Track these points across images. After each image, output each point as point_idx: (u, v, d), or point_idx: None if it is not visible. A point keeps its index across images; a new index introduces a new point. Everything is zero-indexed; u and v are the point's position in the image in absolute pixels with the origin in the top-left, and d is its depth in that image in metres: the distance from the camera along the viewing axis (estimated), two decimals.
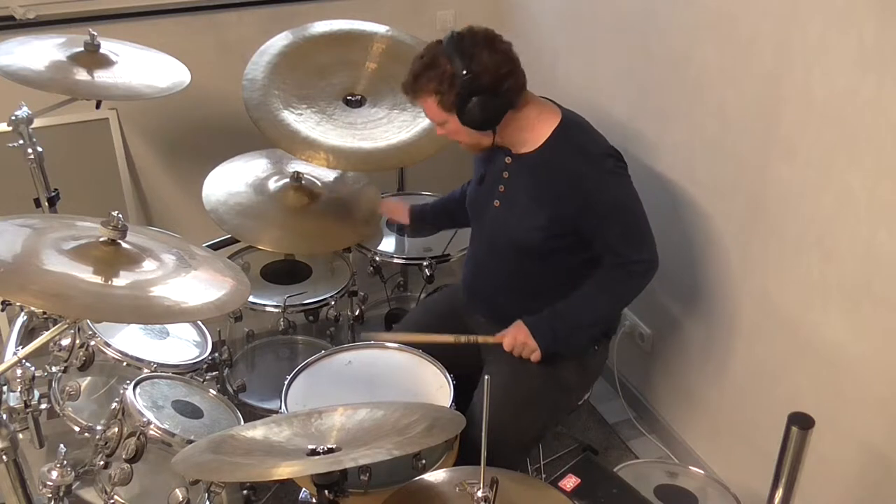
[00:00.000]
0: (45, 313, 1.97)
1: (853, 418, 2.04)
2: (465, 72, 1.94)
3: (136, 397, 1.92)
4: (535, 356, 2.12)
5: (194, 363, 2.20)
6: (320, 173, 2.66)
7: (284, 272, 2.69)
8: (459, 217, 2.38)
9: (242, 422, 2.03)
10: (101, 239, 1.64)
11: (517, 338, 2.12)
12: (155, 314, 1.66)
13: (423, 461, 1.85)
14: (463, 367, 2.13)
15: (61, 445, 1.80)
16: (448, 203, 2.50)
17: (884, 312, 1.92)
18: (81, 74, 2.34)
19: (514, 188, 2.14)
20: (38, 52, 2.36)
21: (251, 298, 2.46)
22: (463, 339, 2.13)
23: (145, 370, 2.07)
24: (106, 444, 1.90)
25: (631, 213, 2.09)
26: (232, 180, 2.61)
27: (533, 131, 2.08)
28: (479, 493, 1.50)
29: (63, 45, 2.41)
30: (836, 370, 2.07)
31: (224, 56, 2.92)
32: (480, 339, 2.16)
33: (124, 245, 1.66)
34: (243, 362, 2.69)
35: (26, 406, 1.77)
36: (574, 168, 2.04)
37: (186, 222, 3.05)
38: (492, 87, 1.96)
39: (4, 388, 1.76)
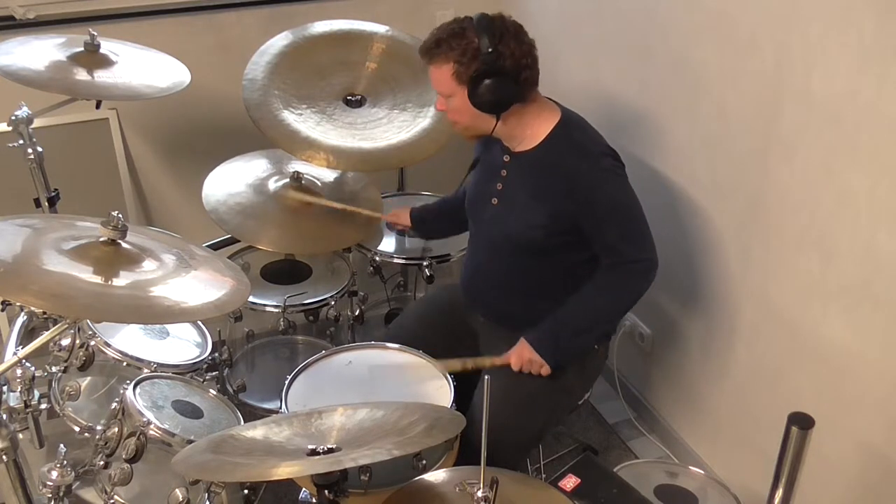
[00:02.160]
0: (45, 313, 1.97)
1: (853, 418, 2.04)
2: (490, 49, 1.95)
3: (136, 397, 1.92)
4: (545, 370, 2.12)
5: (194, 363, 2.20)
6: (320, 173, 2.65)
7: (284, 272, 2.69)
8: (460, 217, 2.37)
9: (242, 422, 2.03)
10: (101, 239, 1.63)
11: (522, 356, 2.12)
12: (155, 314, 1.66)
13: (423, 461, 1.85)
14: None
15: (61, 445, 1.80)
16: (447, 204, 2.50)
17: (884, 312, 1.92)
18: (81, 74, 2.34)
19: (512, 186, 2.14)
20: (38, 52, 2.36)
21: (251, 298, 2.46)
22: (470, 363, 2.12)
23: (145, 370, 2.07)
24: (106, 444, 1.89)
25: (629, 213, 2.09)
26: (232, 180, 2.60)
27: (532, 128, 2.08)
28: (479, 493, 1.50)
29: (63, 45, 2.41)
30: (836, 370, 2.07)
31: (224, 56, 2.92)
32: (487, 361, 2.15)
33: (124, 245, 1.66)
34: (243, 362, 2.69)
35: (26, 406, 1.77)
36: (572, 166, 2.04)
37: (186, 222, 3.05)
38: (510, 72, 1.97)
39: (4, 388, 1.75)
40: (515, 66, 1.97)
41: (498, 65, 1.95)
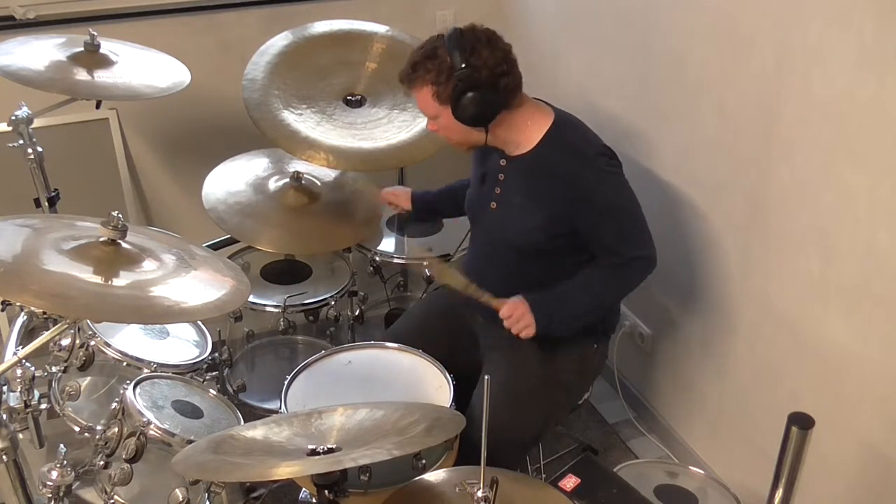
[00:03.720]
0: (45, 313, 1.97)
1: (853, 418, 2.04)
2: (463, 65, 1.95)
3: (136, 397, 1.92)
4: (528, 332, 2.08)
5: (194, 363, 2.20)
6: (320, 173, 2.65)
7: (284, 272, 2.69)
8: (463, 202, 2.35)
9: (242, 422, 2.03)
10: (101, 239, 1.64)
11: (517, 308, 2.08)
12: (155, 314, 1.66)
13: (423, 461, 1.85)
14: (462, 368, 2.13)
15: (61, 445, 1.80)
16: (450, 190, 2.49)
17: (884, 312, 1.92)
18: (81, 74, 2.34)
19: (509, 190, 2.14)
20: (38, 52, 2.36)
21: (251, 298, 2.46)
22: (471, 289, 2.12)
23: (145, 370, 2.08)
24: (106, 444, 1.90)
25: (626, 211, 2.09)
26: (232, 180, 2.61)
27: (526, 132, 2.08)
28: (479, 493, 1.50)
29: (63, 45, 2.41)
30: (836, 370, 2.07)
31: (224, 56, 2.92)
32: (484, 298, 2.13)
33: (124, 245, 1.66)
34: (243, 362, 2.69)
35: (26, 406, 1.77)
36: (568, 168, 2.04)
37: (186, 222, 3.05)
38: (488, 83, 1.97)
39: (4, 388, 1.75)
40: (491, 75, 1.97)
41: (474, 78, 1.96)
